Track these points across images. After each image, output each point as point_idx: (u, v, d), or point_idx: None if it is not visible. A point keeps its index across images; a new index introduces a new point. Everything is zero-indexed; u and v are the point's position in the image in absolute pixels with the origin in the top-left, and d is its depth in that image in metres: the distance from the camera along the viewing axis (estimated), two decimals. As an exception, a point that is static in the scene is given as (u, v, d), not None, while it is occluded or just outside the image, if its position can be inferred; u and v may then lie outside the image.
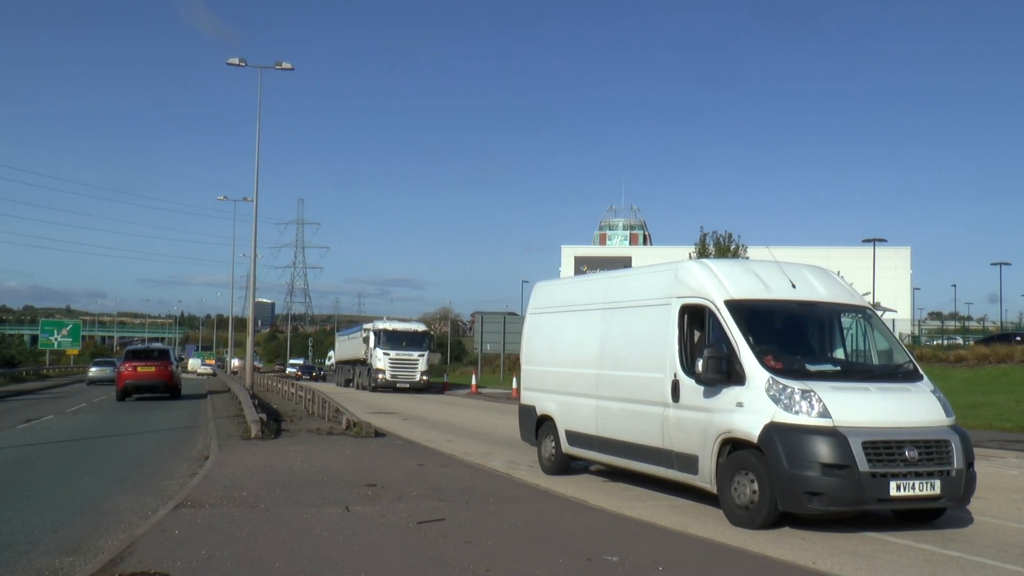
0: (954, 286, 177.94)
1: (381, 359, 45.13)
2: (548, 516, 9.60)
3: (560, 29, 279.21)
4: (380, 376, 45.16)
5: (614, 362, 12.11)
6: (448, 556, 7.51)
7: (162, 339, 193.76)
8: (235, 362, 73.10)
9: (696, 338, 10.59)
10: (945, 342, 54.15)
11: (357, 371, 51.12)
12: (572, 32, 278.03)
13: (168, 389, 34.12)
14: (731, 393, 9.74)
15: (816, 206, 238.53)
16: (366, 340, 47.64)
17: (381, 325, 47.40)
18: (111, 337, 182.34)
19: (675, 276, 11.10)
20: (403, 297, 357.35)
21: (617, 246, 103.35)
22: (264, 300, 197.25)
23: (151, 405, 31.59)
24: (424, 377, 45.75)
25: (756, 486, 9.29)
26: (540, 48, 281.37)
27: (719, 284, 10.45)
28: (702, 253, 43.45)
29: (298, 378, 62.28)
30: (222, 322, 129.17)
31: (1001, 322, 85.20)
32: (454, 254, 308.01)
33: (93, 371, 53.63)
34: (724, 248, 43.68)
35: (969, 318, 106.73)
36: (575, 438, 13.09)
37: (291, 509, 9.67)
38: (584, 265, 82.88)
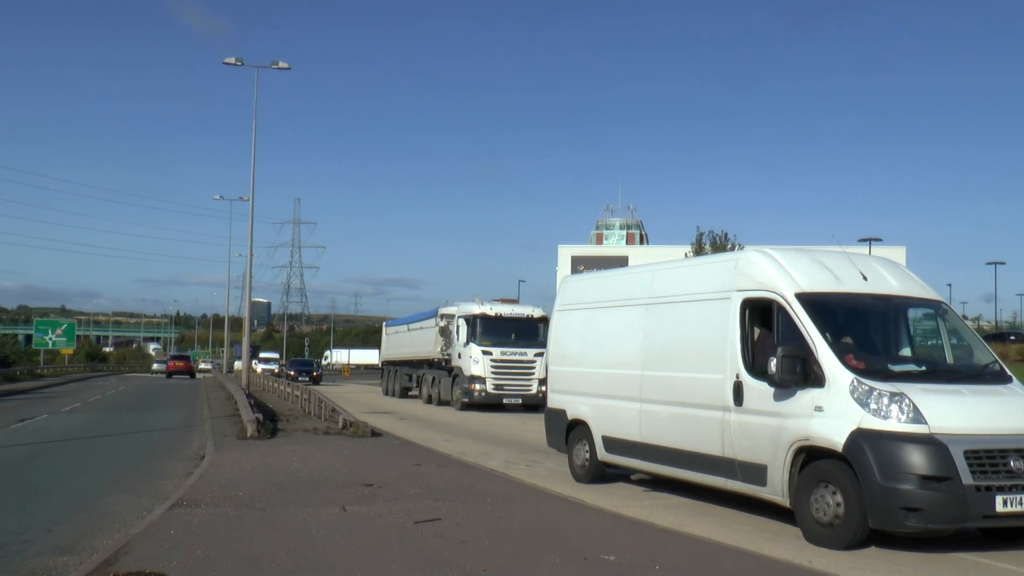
0: (949, 285, 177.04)
1: (479, 361, 29.51)
2: (545, 516, 9.59)
3: (557, 29, 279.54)
4: (477, 387, 29.30)
5: (661, 362, 11.09)
6: (445, 556, 7.50)
7: (158, 339, 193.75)
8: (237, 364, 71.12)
9: (756, 335, 9.74)
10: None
11: (429, 378, 34.98)
12: (569, 32, 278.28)
13: (190, 373, 68.28)
14: (807, 396, 8.79)
15: (812, 205, 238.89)
16: (444, 331, 33.13)
17: (477, 308, 30.59)
18: (106, 337, 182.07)
19: (735, 267, 10.12)
20: (400, 297, 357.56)
21: (614, 245, 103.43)
22: (260, 300, 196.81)
23: (146, 405, 31.64)
24: (543, 388, 26.00)
25: (841, 500, 8.31)
26: (536, 48, 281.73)
27: (787, 275, 9.53)
28: (698, 252, 43.57)
29: (277, 376, 50.16)
30: (218, 322, 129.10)
31: (996, 321, 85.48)
32: (451, 253, 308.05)
33: (155, 366, 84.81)
34: (720, 247, 43.79)
35: (965, 317, 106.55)
36: (613, 444, 12.04)
37: (287, 509, 9.65)
38: (581, 264, 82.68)
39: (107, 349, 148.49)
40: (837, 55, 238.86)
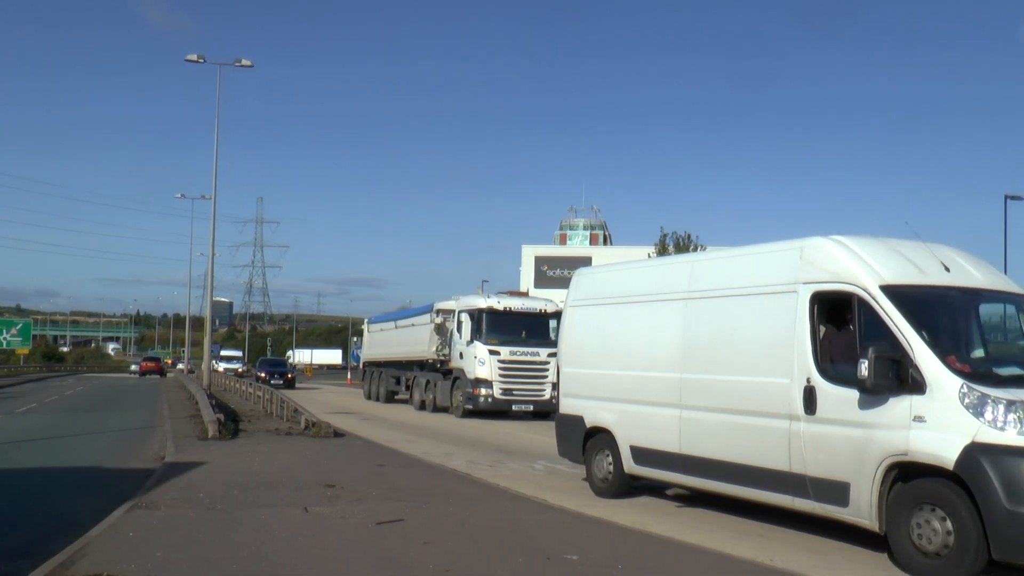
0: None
1: (484, 362, 25.82)
2: (508, 516, 9.58)
3: (523, 31, 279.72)
4: (483, 392, 25.80)
5: (706, 364, 9.86)
6: (408, 557, 7.46)
7: (117, 338, 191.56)
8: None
9: (823, 333, 8.63)
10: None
11: (422, 381, 30.73)
12: (533, 34, 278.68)
13: (161, 373, 72.04)
14: (903, 404, 7.67)
15: (774, 206, 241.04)
16: (440, 329, 29.32)
17: (482, 302, 27.04)
18: (64, 336, 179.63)
19: (800, 257, 8.96)
20: (363, 296, 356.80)
21: (578, 246, 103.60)
22: (222, 299, 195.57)
23: (105, 406, 31.24)
24: (556, 392, 25.41)
25: (951, 527, 7.22)
26: (501, 49, 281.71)
27: (867, 266, 8.42)
28: (661, 252, 43.79)
29: (240, 377, 48.21)
30: (179, 321, 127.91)
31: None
32: (415, 253, 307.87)
33: (133, 367, 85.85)
34: (684, 248, 44.04)
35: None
36: (645, 456, 10.74)
37: (249, 510, 9.55)
38: (544, 265, 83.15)
39: (64, 349, 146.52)
40: (804, 57, 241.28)
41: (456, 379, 27.22)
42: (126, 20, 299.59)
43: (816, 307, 8.62)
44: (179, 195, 60.36)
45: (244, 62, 35.05)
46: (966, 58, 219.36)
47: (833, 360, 8.41)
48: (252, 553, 7.49)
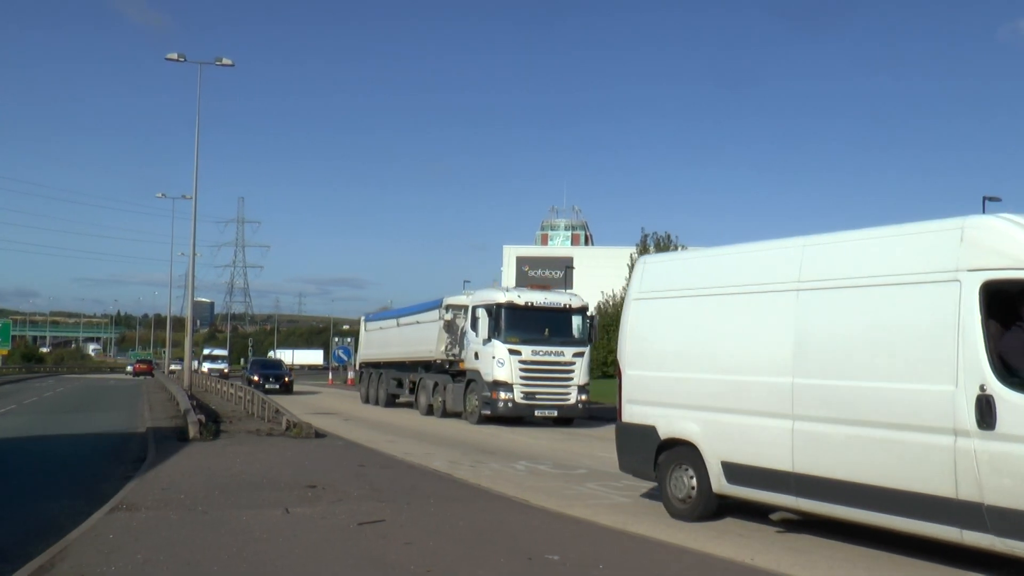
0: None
1: (504, 362, 23.28)
2: (489, 516, 9.61)
3: (504, 32, 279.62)
4: (503, 396, 23.15)
5: (829, 367, 8.42)
6: (389, 558, 7.47)
7: (98, 339, 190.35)
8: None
9: (992, 330, 7.24)
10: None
11: (429, 384, 28.06)
12: (516, 34, 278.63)
13: (150, 374, 72.43)
14: None
15: (756, 207, 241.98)
16: (450, 326, 26.93)
17: (501, 296, 24.40)
18: (43, 337, 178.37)
19: (961, 239, 7.49)
20: (344, 296, 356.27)
21: (559, 246, 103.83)
22: (203, 299, 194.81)
23: (85, 407, 31.05)
24: (583, 396, 23.88)
25: None
26: (484, 49, 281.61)
27: None
28: (642, 253, 43.89)
29: (224, 378, 46.31)
30: (160, 322, 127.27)
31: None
32: (396, 254, 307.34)
33: (129, 368, 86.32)
34: (664, 248, 44.20)
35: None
36: (742, 473, 9.25)
37: (230, 511, 9.53)
38: (526, 265, 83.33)
39: (44, 350, 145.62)
40: (783, 60, 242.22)
41: (471, 382, 24.72)
42: (103, 17, 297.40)
43: (987, 299, 7.23)
44: (160, 195, 60.11)
45: (225, 61, 34.91)
46: (948, 58, 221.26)
47: (1011, 363, 7.06)
48: (234, 555, 7.48)
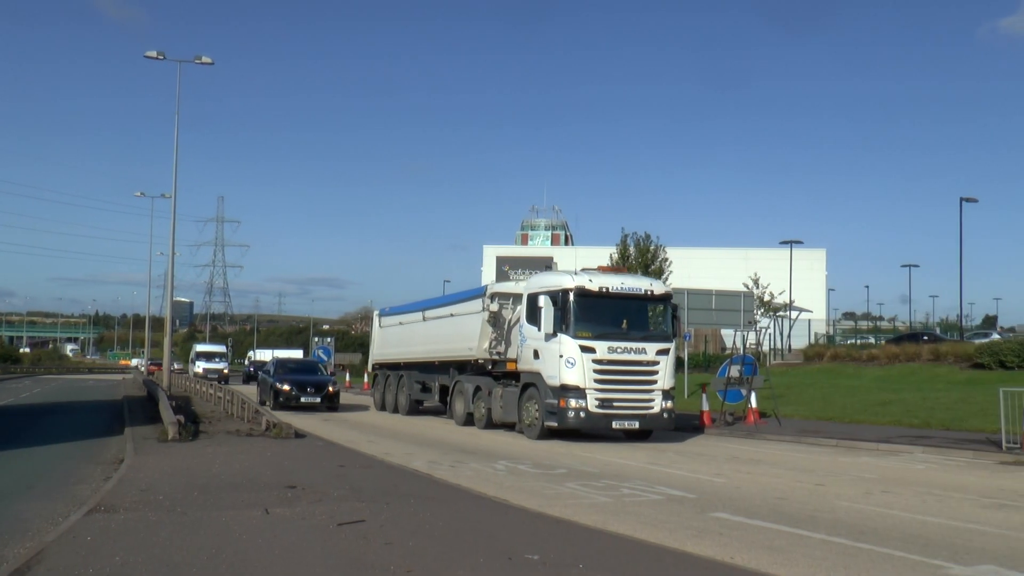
0: (867, 287, 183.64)
1: (574, 362, 19.05)
2: (469, 516, 9.61)
3: (486, 30, 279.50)
4: (573, 404, 18.91)
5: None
6: (369, 558, 7.47)
7: (76, 339, 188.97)
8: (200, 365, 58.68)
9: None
10: (858, 341, 55.67)
11: (468, 389, 23.74)
12: (496, 33, 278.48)
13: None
14: None
15: (735, 208, 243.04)
16: (496, 319, 23.00)
17: (569, 280, 19.83)
18: (20, 337, 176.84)
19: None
20: (324, 296, 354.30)
21: (539, 246, 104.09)
22: (182, 299, 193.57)
23: (62, 408, 30.78)
24: (668, 404, 19.74)
25: None
26: (463, 49, 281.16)
27: None
28: (623, 254, 43.99)
29: (219, 380, 42.88)
30: (138, 321, 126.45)
31: (910, 322, 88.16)
32: (377, 253, 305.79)
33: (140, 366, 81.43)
34: (644, 249, 44.28)
35: (881, 318, 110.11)
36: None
37: (209, 512, 9.50)
38: (506, 265, 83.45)
39: (23, 350, 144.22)
40: (768, 61, 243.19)
41: (528, 386, 20.39)
42: (78, 12, 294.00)
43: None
44: (138, 193, 59.72)
45: (205, 59, 34.85)
46: (927, 59, 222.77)
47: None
48: (213, 555, 7.45)
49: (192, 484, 11.50)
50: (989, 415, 20.90)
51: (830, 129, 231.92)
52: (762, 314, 42.67)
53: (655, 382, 19.47)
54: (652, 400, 19.38)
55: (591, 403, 18.91)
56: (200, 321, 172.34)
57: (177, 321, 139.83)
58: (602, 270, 21.51)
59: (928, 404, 26.61)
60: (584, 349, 18.99)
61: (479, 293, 24.07)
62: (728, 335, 48.75)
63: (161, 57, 33.91)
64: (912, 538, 9.02)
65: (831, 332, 63.06)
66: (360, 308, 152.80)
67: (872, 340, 56.95)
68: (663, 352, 19.67)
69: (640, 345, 19.46)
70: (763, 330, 39.06)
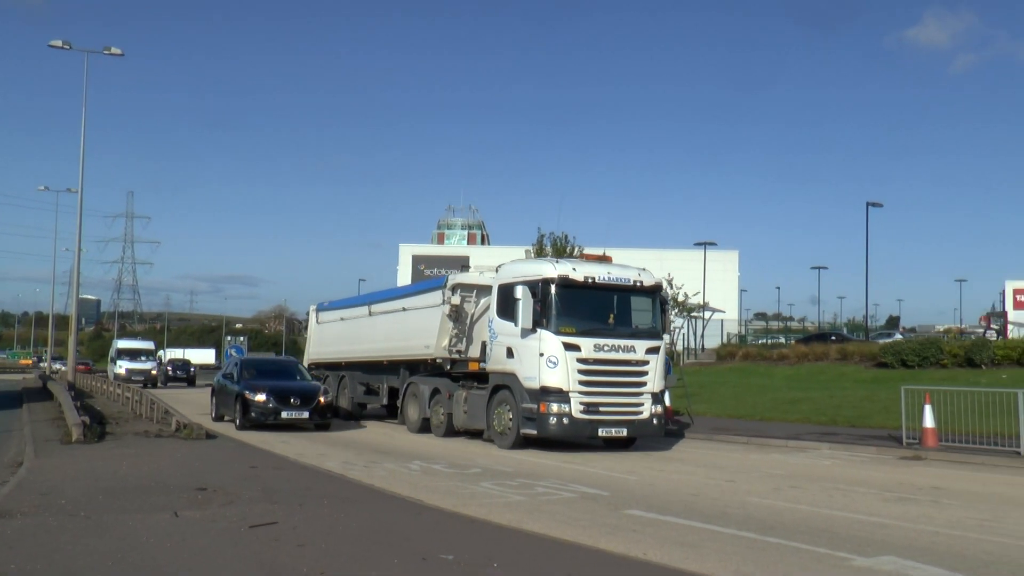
0: (778, 288, 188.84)
1: (557, 361, 17.11)
2: (384, 517, 9.53)
3: (400, 27, 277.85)
4: (555, 408, 16.96)
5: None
6: (281, 560, 7.34)
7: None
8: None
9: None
10: (769, 341, 56.88)
11: (424, 391, 21.42)
12: (410, 30, 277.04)
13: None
14: None
15: (649, 209, 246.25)
16: (457, 313, 20.59)
17: (550, 268, 17.73)
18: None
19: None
20: (238, 295, 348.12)
21: (455, 245, 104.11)
22: (89, 297, 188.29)
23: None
24: (658, 408, 17.96)
25: None
26: (378, 45, 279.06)
27: None
28: (539, 253, 44.13)
29: (149, 386, 40.32)
30: (42, 320, 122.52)
31: (819, 322, 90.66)
32: (292, 251, 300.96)
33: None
34: (561, 249, 44.52)
35: (791, 319, 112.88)
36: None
37: (115, 516, 9.23)
38: (422, 264, 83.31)
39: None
40: (663, 61, 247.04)
41: (500, 389, 18.30)
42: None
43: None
44: (42, 187, 58.08)
45: (114, 50, 34.04)
46: (836, 67, 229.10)
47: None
48: (118, 561, 7.23)
49: (97, 487, 11.16)
50: (892, 412, 21.58)
51: (743, 133, 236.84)
52: (676, 314, 43.29)
53: (644, 384, 17.61)
54: (641, 404, 17.56)
55: (575, 408, 16.94)
56: (108, 319, 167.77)
57: (83, 319, 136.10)
58: (585, 258, 19.41)
59: (835, 402, 27.38)
60: (568, 347, 17.00)
61: (438, 284, 21.40)
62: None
63: (67, 47, 33.02)
64: (819, 531, 9.25)
65: (743, 332, 64.29)
66: (274, 307, 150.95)
67: (782, 340, 58.30)
68: (653, 351, 17.85)
69: (629, 343, 17.57)
70: (677, 330, 39.67)
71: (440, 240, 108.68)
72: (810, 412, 25.70)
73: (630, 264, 18.91)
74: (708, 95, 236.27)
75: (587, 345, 17.07)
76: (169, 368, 57.33)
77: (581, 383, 16.99)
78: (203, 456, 14.92)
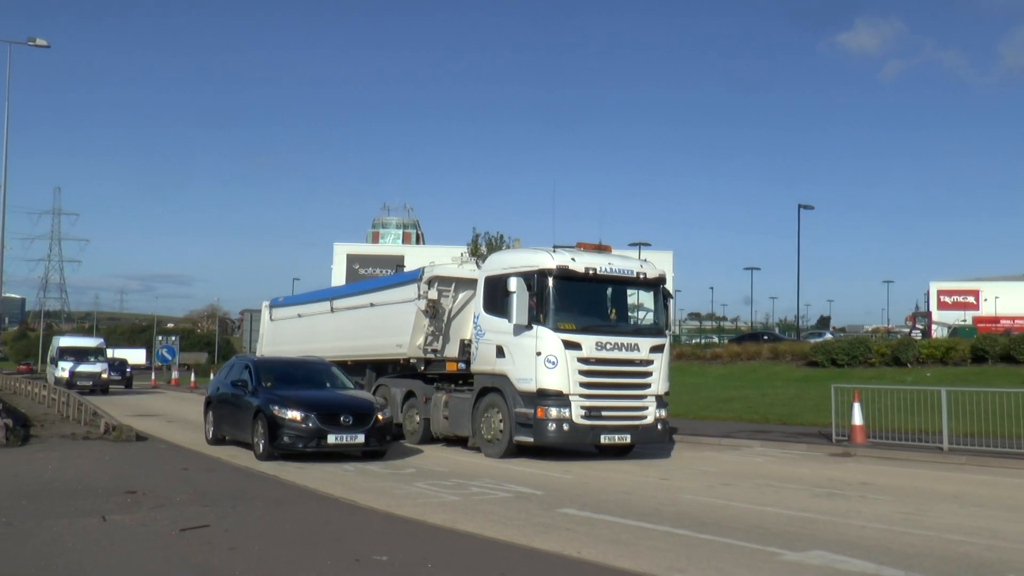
0: (712, 288, 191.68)
1: (556, 360, 15.50)
2: (317, 518, 9.45)
3: (339, 24, 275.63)
4: (554, 413, 15.42)
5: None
6: (213, 564, 7.24)
7: None
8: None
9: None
10: (703, 341, 57.67)
11: (396, 395, 19.63)
12: (349, 29, 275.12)
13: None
14: None
15: (585, 210, 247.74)
16: (434, 309, 18.40)
17: (548, 259, 15.96)
18: None
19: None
20: (169, 294, 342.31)
21: (390, 244, 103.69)
22: (13, 295, 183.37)
23: None
24: (662, 413, 16.54)
25: None
26: (315, 43, 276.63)
27: None
28: (475, 252, 44.19)
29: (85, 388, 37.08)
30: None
31: (752, 322, 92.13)
32: (224, 251, 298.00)
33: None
34: (495, 248, 44.66)
35: (724, 319, 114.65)
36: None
37: (39, 522, 9.00)
38: (356, 263, 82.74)
39: None
40: (610, 64, 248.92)
41: (488, 391, 16.66)
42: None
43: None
44: (-37, 183, 56.12)
45: (40, 41, 33.16)
46: (770, 71, 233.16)
47: None
48: (42, 567, 7.05)
49: (20, 492, 10.88)
50: (822, 410, 22.02)
51: (675, 135, 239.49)
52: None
53: (648, 386, 16.22)
54: (645, 408, 16.17)
55: (576, 412, 15.47)
56: (33, 319, 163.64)
57: (7, 319, 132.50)
58: (582, 247, 17.18)
59: (767, 400, 27.87)
60: (568, 345, 15.49)
61: (412, 278, 19.28)
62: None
63: (-12, 37, 32.09)
64: (751, 528, 9.40)
65: (677, 332, 65.11)
66: (207, 306, 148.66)
67: (716, 339, 59.20)
68: (657, 349, 16.48)
69: (632, 340, 16.19)
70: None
71: (375, 239, 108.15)
72: (743, 410, 26.12)
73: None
74: (636, 97, 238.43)
75: (588, 343, 15.67)
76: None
77: (583, 385, 15.57)
78: (133, 458, 14.64)
